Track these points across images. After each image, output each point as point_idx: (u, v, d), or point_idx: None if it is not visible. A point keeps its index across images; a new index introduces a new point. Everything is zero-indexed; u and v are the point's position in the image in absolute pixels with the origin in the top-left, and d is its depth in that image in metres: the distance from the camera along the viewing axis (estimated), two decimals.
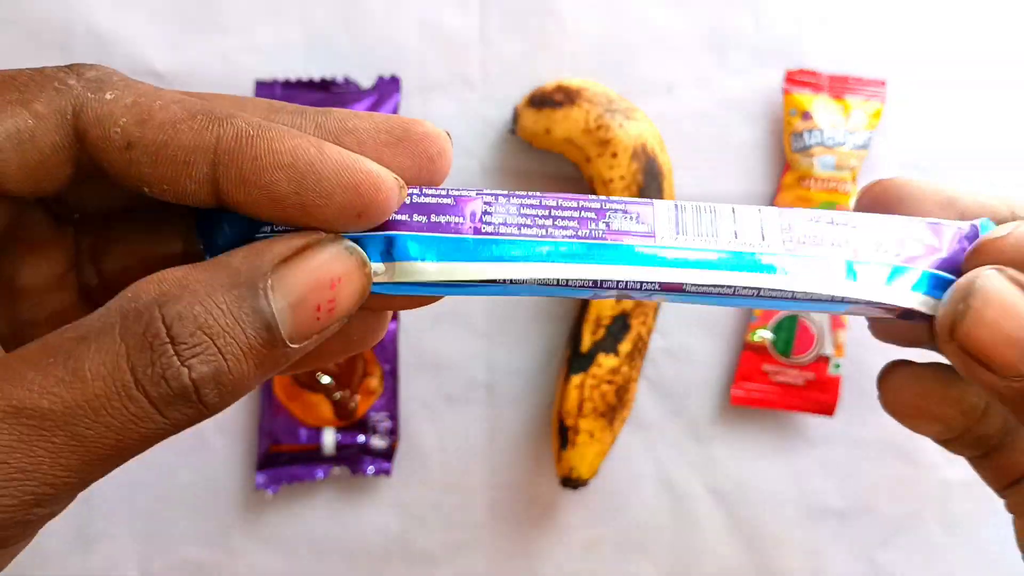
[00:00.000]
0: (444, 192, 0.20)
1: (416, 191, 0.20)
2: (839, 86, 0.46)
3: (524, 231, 0.20)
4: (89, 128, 0.17)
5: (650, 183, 0.43)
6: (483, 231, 0.19)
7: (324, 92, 0.45)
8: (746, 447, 0.47)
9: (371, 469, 0.45)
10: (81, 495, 0.16)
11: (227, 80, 0.45)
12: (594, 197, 0.20)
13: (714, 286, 0.20)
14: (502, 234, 0.20)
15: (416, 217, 0.19)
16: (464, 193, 0.20)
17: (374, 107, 0.45)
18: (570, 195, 0.20)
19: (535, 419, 0.47)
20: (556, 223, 0.20)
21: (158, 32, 0.45)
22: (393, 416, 0.46)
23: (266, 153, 0.17)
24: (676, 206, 0.20)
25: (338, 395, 0.45)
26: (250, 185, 0.17)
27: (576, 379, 0.43)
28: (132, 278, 0.17)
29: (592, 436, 0.43)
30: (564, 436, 0.44)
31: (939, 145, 0.47)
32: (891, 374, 0.22)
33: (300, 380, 0.45)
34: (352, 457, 0.45)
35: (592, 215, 0.20)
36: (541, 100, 0.43)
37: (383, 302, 0.20)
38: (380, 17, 0.46)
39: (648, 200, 0.21)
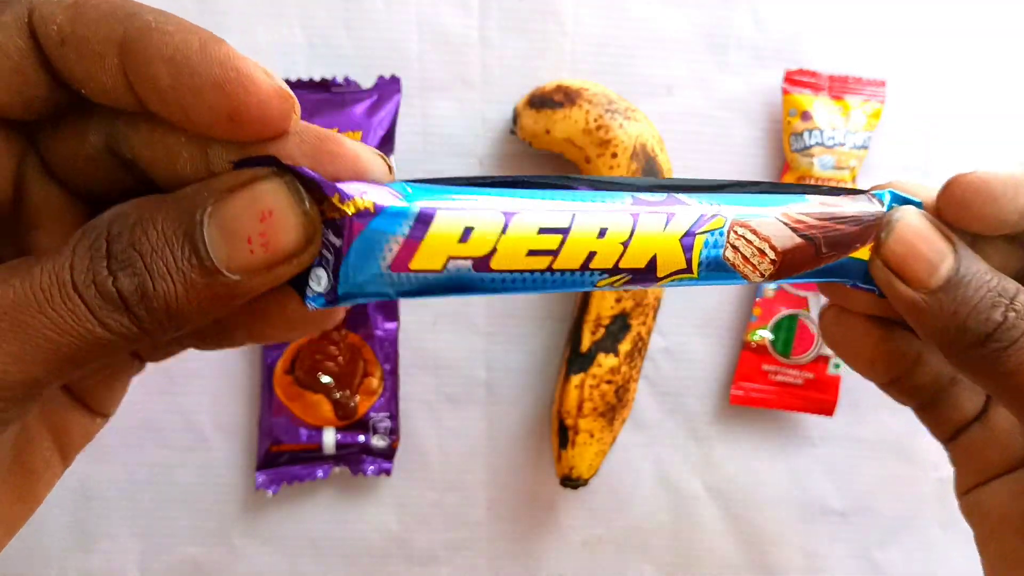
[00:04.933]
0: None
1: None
2: (839, 86, 0.46)
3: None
4: (37, 27, 0.17)
5: None
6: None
7: (324, 92, 0.45)
8: (746, 447, 0.47)
9: (371, 469, 0.45)
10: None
11: None
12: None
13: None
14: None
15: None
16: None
17: (374, 107, 0.45)
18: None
19: (535, 419, 0.47)
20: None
21: None
22: (393, 416, 0.46)
23: (156, 45, 0.17)
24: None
25: (338, 395, 0.45)
26: (142, 77, 0.17)
27: (576, 379, 0.43)
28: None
29: (592, 436, 0.44)
30: (564, 436, 0.44)
31: (939, 145, 0.47)
32: (830, 308, 0.26)
33: (300, 380, 0.45)
34: (352, 457, 0.45)
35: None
36: (541, 100, 0.43)
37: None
38: (380, 17, 0.46)
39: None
